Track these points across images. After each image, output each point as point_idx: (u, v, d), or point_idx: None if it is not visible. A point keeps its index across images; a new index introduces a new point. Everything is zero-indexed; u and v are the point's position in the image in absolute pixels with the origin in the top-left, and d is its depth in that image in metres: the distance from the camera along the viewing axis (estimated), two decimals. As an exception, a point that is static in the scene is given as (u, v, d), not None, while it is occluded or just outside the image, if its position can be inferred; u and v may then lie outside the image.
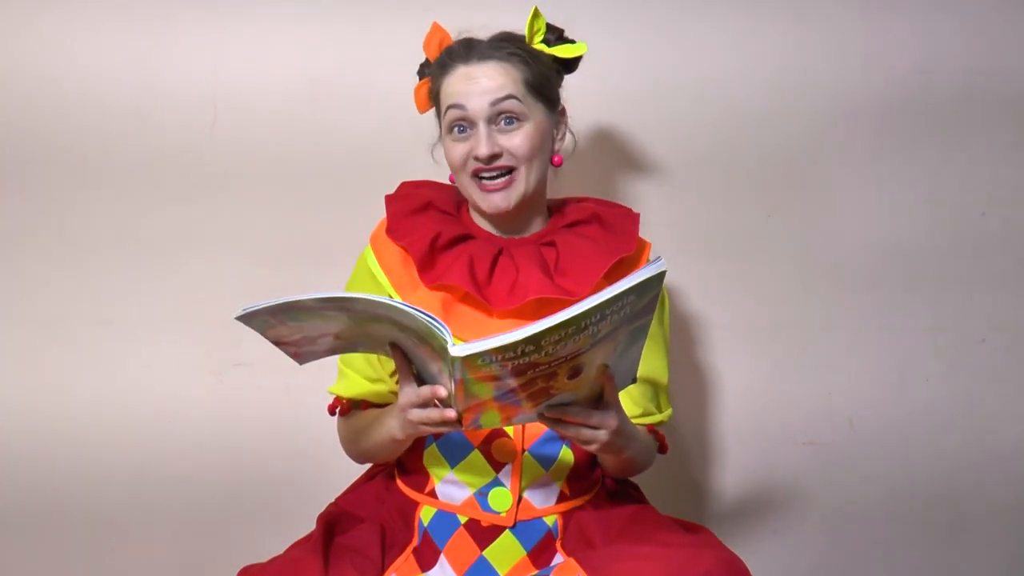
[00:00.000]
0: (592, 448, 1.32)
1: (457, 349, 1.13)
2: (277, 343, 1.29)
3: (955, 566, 2.02)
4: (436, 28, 1.53)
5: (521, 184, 1.47)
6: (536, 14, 1.51)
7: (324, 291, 1.22)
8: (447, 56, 1.49)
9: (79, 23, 1.86)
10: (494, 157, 1.45)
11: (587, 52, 1.54)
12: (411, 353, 1.27)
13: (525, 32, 1.51)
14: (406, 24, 1.81)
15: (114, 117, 1.88)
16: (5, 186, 1.89)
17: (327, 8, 1.88)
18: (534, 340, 1.13)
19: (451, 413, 1.23)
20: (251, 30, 1.88)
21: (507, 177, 1.46)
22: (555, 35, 1.54)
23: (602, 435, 1.30)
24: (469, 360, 1.13)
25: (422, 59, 1.56)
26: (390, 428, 1.37)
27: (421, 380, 1.29)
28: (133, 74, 1.87)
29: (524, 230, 1.54)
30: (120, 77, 1.87)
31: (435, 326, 1.15)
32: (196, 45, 1.87)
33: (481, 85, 1.44)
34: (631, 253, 1.50)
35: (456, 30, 1.53)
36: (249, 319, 1.23)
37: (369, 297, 1.20)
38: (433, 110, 1.55)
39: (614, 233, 1.51)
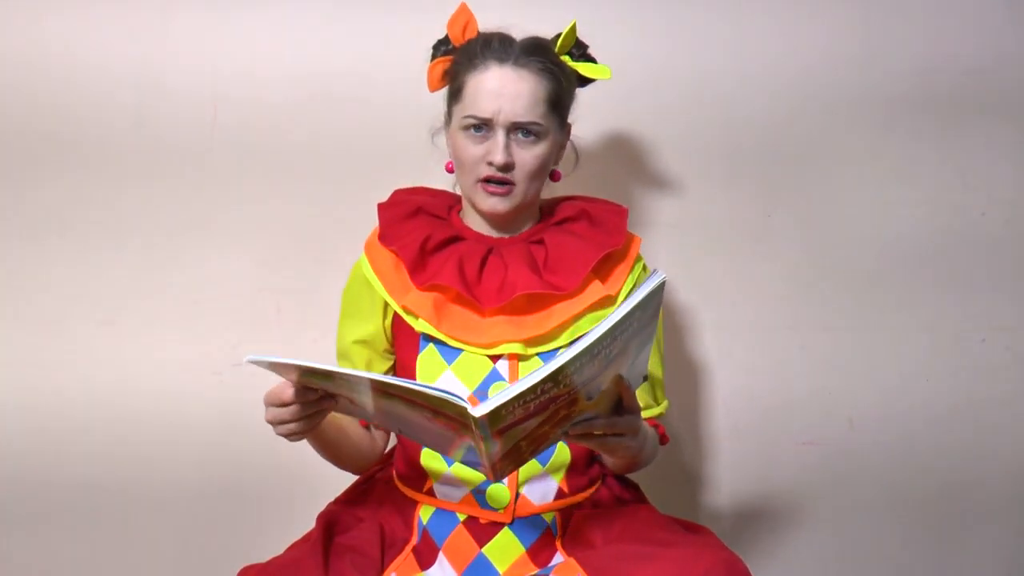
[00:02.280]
0: (619, 453, 1.33)
1: (477, 410, 1.12)
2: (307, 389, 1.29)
3: (955, 565, 2.02)
4: (464, 9, 1.53)
5: (519, 196, 1.48)
6: (573, 28, 1.51)
7: (335, 366, 1.23)
8: (481, 49, 1.47)
9: (79, 16, 1.86)
10: (508, 167, 1.45)
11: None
12: (422, 429, 1.26)
13: (560, 41, 1.51)
14: (408, 21, 1.82)
15: (113, 117, 1.88)
16: (5, 185, 1.89)
17: (329, 5, 1.88)
18: (552, 378, 1.13)
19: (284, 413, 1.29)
20: (252, 26, 1.88)
21: (507, 187, 1.47)
22: (580, 51, 1.55)
23: (627, 440, 1.31)
24: (492, 415, 1.13)
25: (426, 51, 1.56)
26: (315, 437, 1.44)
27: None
28: (133, 73, 1.87)
29: (515, 230, 1.55)
30: (119, 75, 1.87)
31: (448, 396, 1.14)
32: (196, 44, 1.87)
33: (511, 96, 1.44)
34: (619, 247, 1.51)
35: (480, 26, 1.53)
36: (263, 366, 1.23)
37: (378, 377, 1.19)
38: (441, 92, 1.55)
39: (602, 228, 1.52)
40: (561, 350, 1.46)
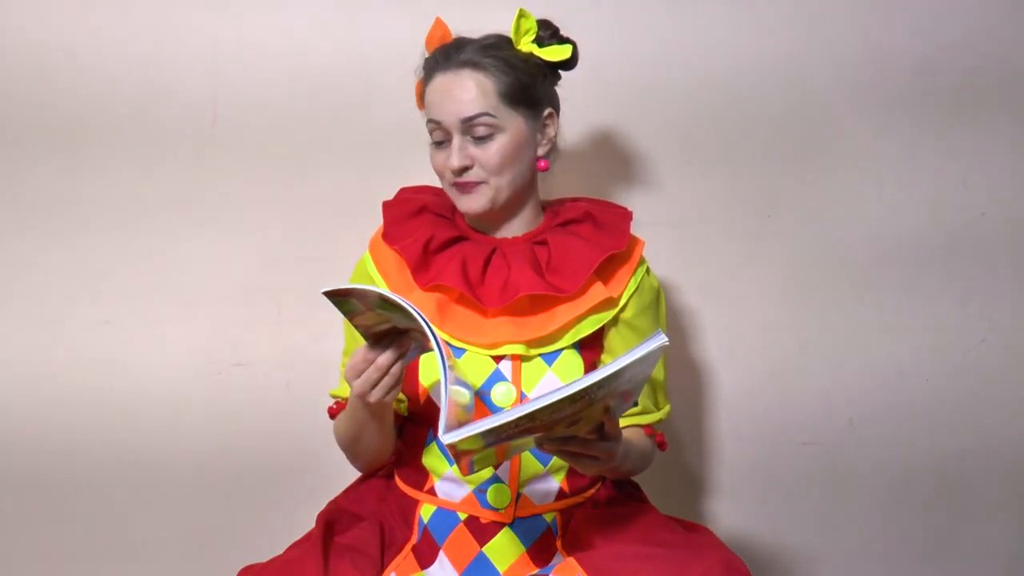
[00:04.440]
0: (591, 472, 1.33)
1: (447, 437, 1.13)
2: (367, 334, 1.29)
3: (955, 565, 2.02)
4: (439, 24, 1.54)
5: (491, 191, 1.48)
6: (522, 14, 1.50)
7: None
8: (428, 64, 1.51)
9: (76, 8, 1.86)
10: (464, 169, 1.46)
11: (579, 51, 1.54)
12: None
13: (512, 33, 1.50)
14: (411, 14, 1.82)
15: (113, 116, 1.87)
16: (5, 185, 1.89)
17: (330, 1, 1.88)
18: (529, 417, 1.13)
19: (384, 359, 1.29)
20: (253, 24, 1.87)
21: (474, 185, 1.47)
22: (548, 32, 1.53)
23: (601, 464, 1.31)
24: (463, 441, 1.14)
25: (421, 51, 1.56)
26: (354, 414, 1.42)
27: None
28: (132, 70, 1.87)
29: (515, 230, 1.54)
30: (119, 72, 1.87)
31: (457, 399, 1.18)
32: (196, 41, 1.87)
33: (454, 99, 1.45)
34: (622, 250, 1.51)
35: (456, 28, 1.53)
36: (333, 299, 1.23)
37: (417, 316, 1.20)
38: None
39: (606, 231, 1.52)
40: (564, 350, 1.47)
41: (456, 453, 1.17)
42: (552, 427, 1.20)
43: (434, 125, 1.48)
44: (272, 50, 1.88)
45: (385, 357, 1.29)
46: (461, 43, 1.50)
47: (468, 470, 1.24)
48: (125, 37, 1.87)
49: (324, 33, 1.88)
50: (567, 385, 1.13)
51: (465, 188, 1.48)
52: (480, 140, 1.46)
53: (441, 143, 1.48)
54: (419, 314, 1.21)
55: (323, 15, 1.88)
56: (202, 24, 1.87)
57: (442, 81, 1.47)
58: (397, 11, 1.87)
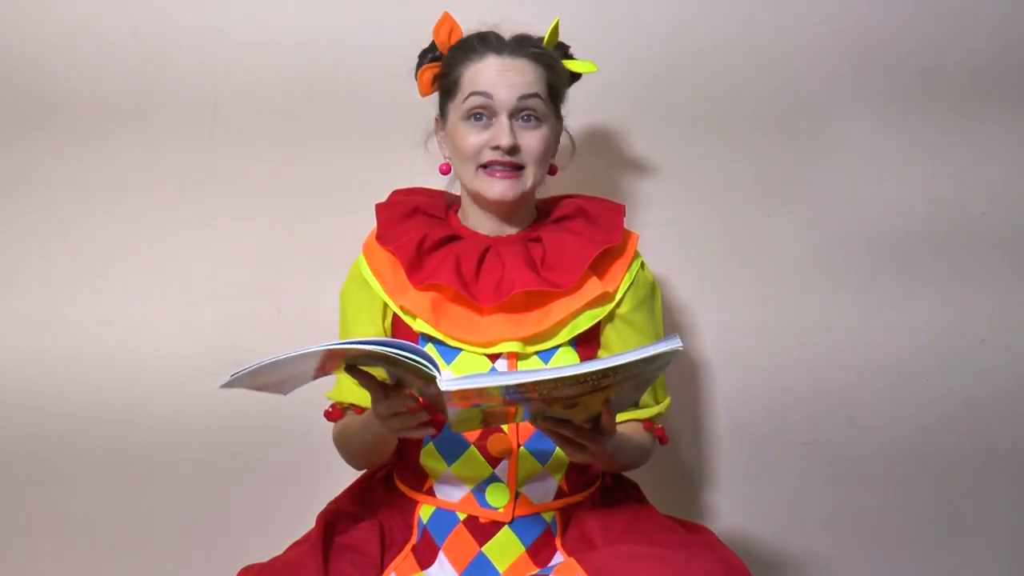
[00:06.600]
0: (576, 459, 1.34)
1: (446, 384, 1.14)
2: (260, 389, 1.34)
3: (954, 566, 2.02)
4: (447, 17, 1.55)
5: (527, 179, 1.48)
6: (556, 26, 1.54)
7: (310, 345, 1.23)
8: (478, 43, 1.50)
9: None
10: (515, 149, 1.46)
11: (575, 44, 1.57)
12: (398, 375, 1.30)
13: (546, 38, 1.53)
14: (411, 17, 1.82)
15: (114, 114, 1.88)
16: (5, 184, 1.89)
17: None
18: (531, 386, 1.14)
19: (425, 417, 1.31)
20: (254, 19, 1.87)
21: (517, 171, 1.47)
22: (562, 51, 1.57)
23: (588, 454, 1.32)
24: (459, 392, 1.15)
25: (421, 49, 1.58)
26: (377, 431, 1.40)
27: (398, 387, 1.32)
28: (133, 68, 1.87)
29: (512, 227, 1.54)
30: (118, 74, 1.87)
31: (423, 365, 1.17)
32: (197, 39, 1.87)
33: (512, 78, 1.46)
34: (616, 243, 1.51)
35: (463, 24, 1.54)
36: (234, 384, 1.26)
37: (356, 345, 1.22)
38: (432, 96, 1.57)
39: (599, 225, 1.53)
40: (560, 347, 1.47)
41: (452, 399, 1.18)
42: (550, 404, 1.20)
43: (482, 97, 1.46)
44: (273, 49, 1.88)
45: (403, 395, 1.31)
46: (507, 37, 1.50)
47: (451, 421, 1.25)
48: (125, 33, 1.87)
49: (325, 32, 1.88)
50: (575, 365, 1.14)
51: (504, 171, 1.47)
52: (526, 125, 1.47)
53: (480, 118, 1.47)
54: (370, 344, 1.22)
55: (323, 12, 1.88)
56: (203, 20, 1.87)
57: (499, 61, 1.47)
58: (398, 10, 1.86)
